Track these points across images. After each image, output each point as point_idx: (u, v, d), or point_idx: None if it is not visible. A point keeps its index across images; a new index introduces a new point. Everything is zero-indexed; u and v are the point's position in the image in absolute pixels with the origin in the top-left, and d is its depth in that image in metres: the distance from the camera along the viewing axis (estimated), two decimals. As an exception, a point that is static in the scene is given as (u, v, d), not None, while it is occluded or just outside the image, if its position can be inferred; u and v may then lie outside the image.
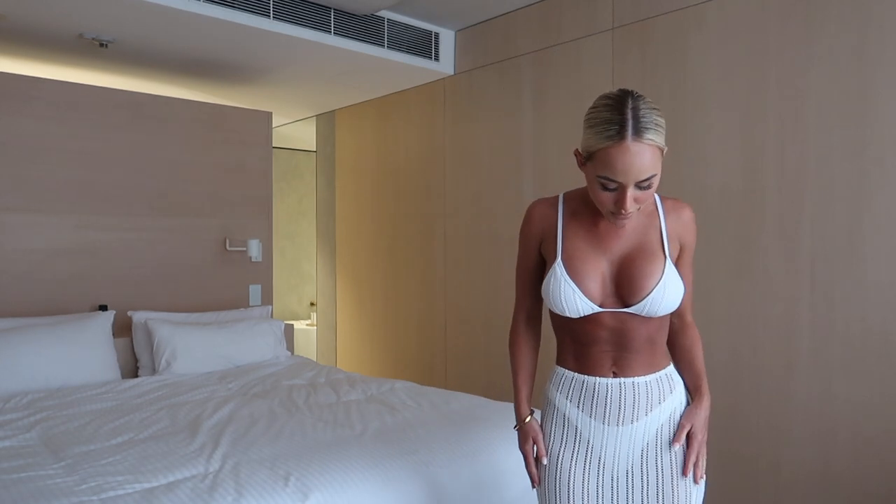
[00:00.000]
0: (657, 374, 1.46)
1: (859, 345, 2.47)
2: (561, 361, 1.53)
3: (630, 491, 1.42)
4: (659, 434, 1.43)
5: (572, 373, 1.48)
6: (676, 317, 1.54)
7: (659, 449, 1.43)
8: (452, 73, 4.04)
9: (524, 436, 1.55)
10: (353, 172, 4.90)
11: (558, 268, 1.44)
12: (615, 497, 1.43)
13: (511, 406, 2.61)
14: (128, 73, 3.99)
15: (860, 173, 2.47)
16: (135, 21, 3.11)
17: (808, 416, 2.60)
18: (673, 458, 1.43)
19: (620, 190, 1.31)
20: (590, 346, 1.45)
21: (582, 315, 1.42)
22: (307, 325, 5.90)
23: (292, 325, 4.07)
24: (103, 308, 3.48)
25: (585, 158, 1.35)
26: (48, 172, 3.37)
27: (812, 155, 2.58)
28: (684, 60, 2.96)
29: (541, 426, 1.54)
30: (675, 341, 1.56)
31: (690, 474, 1.42)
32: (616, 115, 1.27)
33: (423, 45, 3.88)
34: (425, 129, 4.28)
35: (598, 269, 1.42)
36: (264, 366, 3.40)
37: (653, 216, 1.45)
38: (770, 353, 2.68)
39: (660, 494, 1.41)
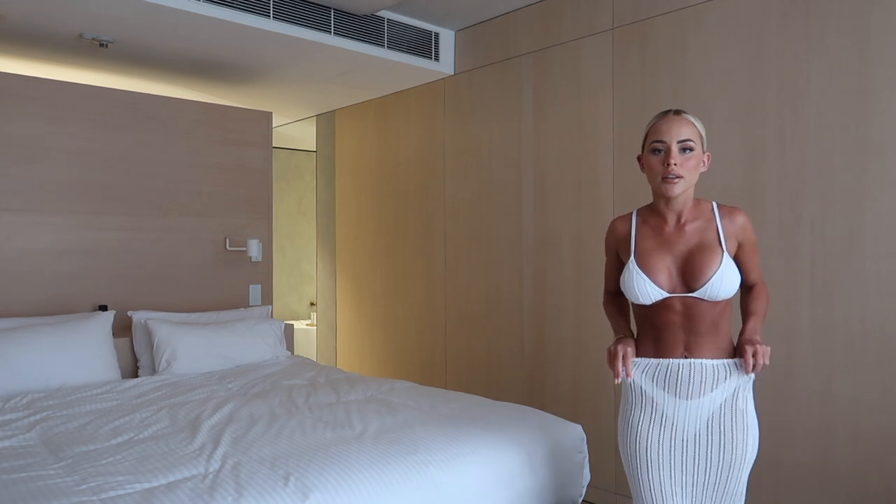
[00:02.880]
0: (723, 361, 1.76)
1: (859, 344, 2.47)
2: (641, 352, 1.84)
3: (697, 451, 1.75)
4: (723, 407, 1.74)
5: (650, 358, 1.81)
6: (749, 286, 1.86)
7: (722, 418, 1.73)
8: (452, 73, 4.04)
9: (622, 342, 1.84)
10: (353, 172, 4.90)
11: (632, 264, 1.79)
12: (685, 456, 1.76)
13: (510, 405, 2.63)
14: (128, 73, 3.99)
15: (860, 173, 2.47)
16: (135, 21, 3.11)
17: (807, 415, 2.60)
18: (733, 425, 1.73)
19: (666, 149, 1.72)
20: (664, 331, 1.78)
21: (653, 301, 1.76)
22: (307, 325, 5.90)
23: (292, 325, 4.07)
24: (103, 308, 3.48)
25: (643, 148, 1.79)
26: (48, 172, 3.37)
27: (812, 155, 2.58)
28: (684, 60, 2.96)
29: (624, 401, 1.86)
30: (743, 297, 1.87)
31: (752, 442, 1.74)
32: (664, 110, 1.82)
33: (423, 45, 3.88)
34: (425, 129, 4.28)
35: (665, 264, 1.76)
36: (264, 366, 3.40)
37: (710, 220, 1.78)
38: (770, 352, 2.68)
39: (722, 453, 1.73)
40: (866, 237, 2.46)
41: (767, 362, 1.71)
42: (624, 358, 1.79)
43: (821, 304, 2.57)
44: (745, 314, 1.84)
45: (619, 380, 1.79)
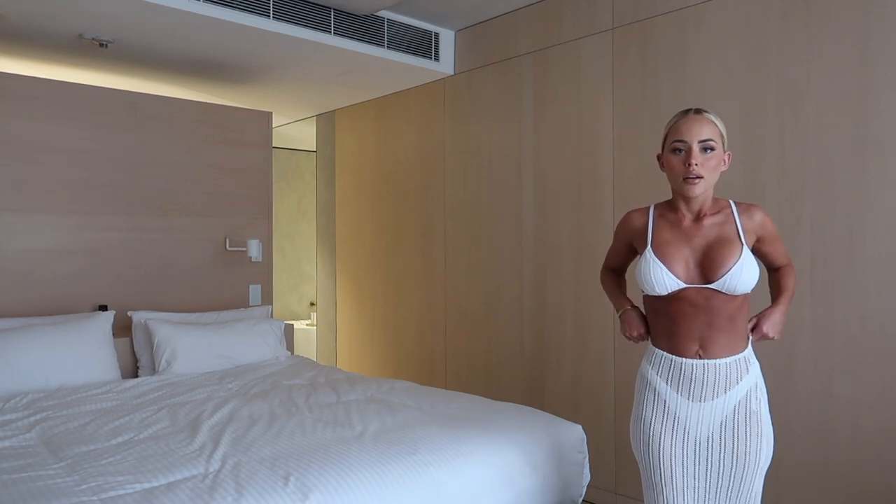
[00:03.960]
0: (735, 357, 1.75)
1: (859, 344, 2.47)
2: (655, 343, 1.85)
3: (710, 454, 1.74)
4: (736, 410, 1.73)
5: (664, 353, 1.80)
6: (776, 268, 1.90)
7: (735, 421, 1.73)
8: (452, 73, 4.04)
9: (629, 321, 1.91)
10: (353, 172, 4.90)
11: (649, 253, 1.78)
12: (697, 459, 1.75)
13: (510, 405, 2.63)
14: (128, 73, 3.99)
15: (860, 173, 2.47)
16: (135, 21, 3.11)
17: (807, 415, 2.60)
18: (747, 429, 1.73)
19: (687, 149, 1.72)
20: (679, 324, 1.76)
21: (670, 291, 1.75)
22: (307, 325, 5.90)
23: (292, 325, 4.07)
24: (103, 308, 3.48)
25: (663, 147, 1.79)
26: (48, 172, 3.37)
27: (812, 155, 2.58)
28: (684, 60, 2.96)
29: (636, 400, 1.87)
30: (773, 276, 1.91)
31: (766, 444, 1.74)
32: (684, 108, 1.82)
33: (423, 45, 3.88)
34: (425, 129, 4.28)
35: (683, 255, 1.76)
36: (264, 366, 3.40)
37: (729, 217, 1.78)
38: (770, 352, 2.68)
39: (734, 457, 1.72)
40: (866, 237, 2.46)
41: (775, 335, 1.81)
42: (640, 336, 1.90)
43: (821, 304, 2.57)
44: (776, 290, 1.89)
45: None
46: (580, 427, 2.51)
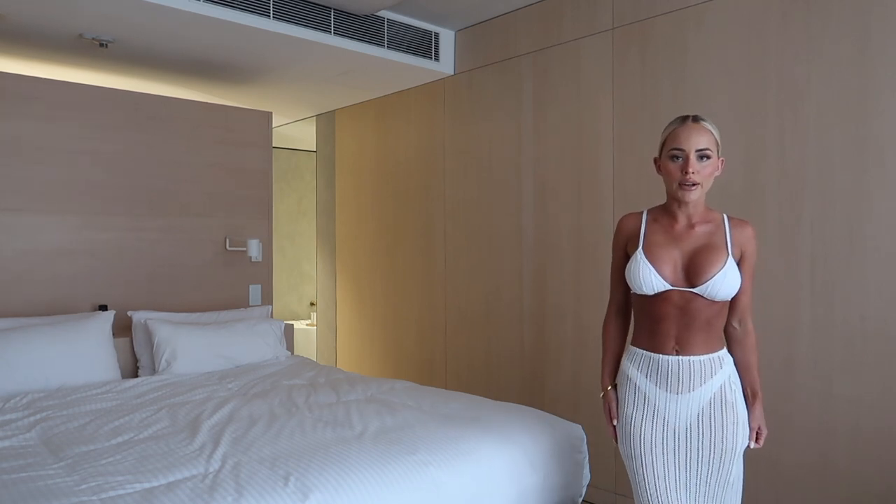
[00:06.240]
0: (710, 356, 1.82)
1: (859, 344, 2.47)
2: (636, 342, 1.91)
3: (689, 443, 1.81)
4: (713, 400, 1.81)
5: (643, 351, 1.87)
6: (738, 322, 1.90)
7: (712, 411, 1.80)
8: (452, 73, 4.04)
9: (608, 404, 1.97)
10: (353, 172, 4.90)
11: (639, 254, 1.85)
12: (677, 448, 1.82)
13: (510, 405, 2.63)
14: (128, 73, 3.99)
15: (860, 173, 2.47)
16: (135, 21, 3.11)
17: (807, 415, 2.60)
18: (723, 418, 1.80)
19: (685, 157, 1.77)
20: (660, 323, 1.83)
21: (656, 291, 1.81)
22: (307, 325, 5.90)
23: (292, 325, 4.07)
24: (103, 308, 3.48)
25: (660, 152, 1.84)
26: (48, 172, 3.37)
27: (812, 155, 2.58)
28: (684, 60, 2.96)
29: (616, 394, 1.95)
30: (735, 349, 1.91)
31: (742, 431, 1.82)
32: (682, 115, 1.86)
33: (423, 45, 3.88)
34: (425, 129, 4.28)
35: (671, 257, 1.82)
36: (264, 366, 3.40)
37: (720, 227, 1.84)
38: (770, 352, 2.68)
39: (712, 444, 1.80)
40: (866, 237, 2.46)
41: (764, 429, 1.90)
42: (614, 423, 1.94)
43: (821, 304, 2.57)
44: (745, 372, 1.89)
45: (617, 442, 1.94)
46: (580, 427, 2.51)
